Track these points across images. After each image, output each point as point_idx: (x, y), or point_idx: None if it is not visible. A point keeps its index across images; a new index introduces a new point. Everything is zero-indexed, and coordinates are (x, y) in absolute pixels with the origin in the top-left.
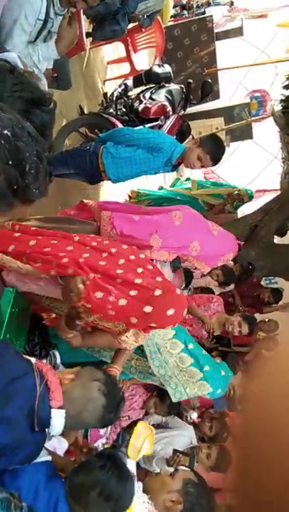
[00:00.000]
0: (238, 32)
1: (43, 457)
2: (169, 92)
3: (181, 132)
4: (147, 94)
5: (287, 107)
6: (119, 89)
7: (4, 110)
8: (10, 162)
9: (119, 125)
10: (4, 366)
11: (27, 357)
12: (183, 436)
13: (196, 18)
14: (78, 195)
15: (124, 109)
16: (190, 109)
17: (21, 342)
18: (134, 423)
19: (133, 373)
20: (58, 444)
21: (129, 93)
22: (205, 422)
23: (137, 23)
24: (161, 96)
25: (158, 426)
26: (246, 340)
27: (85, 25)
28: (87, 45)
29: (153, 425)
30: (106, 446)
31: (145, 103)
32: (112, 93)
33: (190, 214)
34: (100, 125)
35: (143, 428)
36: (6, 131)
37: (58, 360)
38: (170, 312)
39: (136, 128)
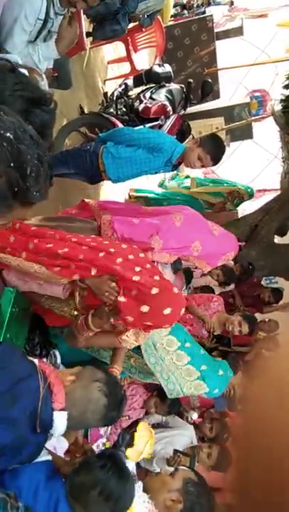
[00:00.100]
0: (238, 32)
1: (43, 457)
2: (170, 91)
3: (182, 132)
4: (147, 94)
5: (287, 107)
6: (120, 89)
7: (7, 113)
8: (12, 164)
9: (120, 125)
10: (10, 367)
11: (31, 358)
12: (183, 435)
13: (197, 17)
14: (79, 195)
15: (124, 109)
16: (190, 109)
17: (22, 341)
18: (135, 423)
19: (133, 373)
20: (57, 444)
21: (130, 93)
22: (205, 423)
23: (137, 23)
24: (161, 96)
25: (158, 425)
26: (246, 340)
27: (86, 25)
28: (87, 45)
29: (153, 425)
30: (106, 445)
31: (145, 103)
32: (113, 93)
33: (190, 214)
34: (101, 125)
35: (144, 430)
36: (8, 134)
37: (59, 360)
38: (167, 311)
39: (136, 128)
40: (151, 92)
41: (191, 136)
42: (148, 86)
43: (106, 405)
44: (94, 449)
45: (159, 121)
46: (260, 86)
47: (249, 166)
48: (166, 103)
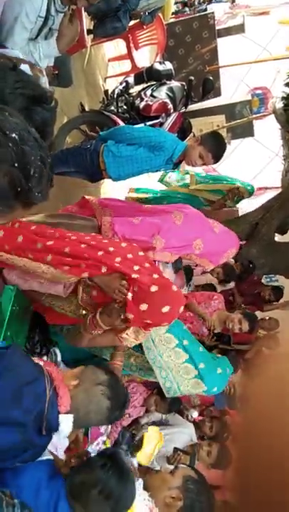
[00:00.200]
0: (239, 29)
1: (45, 456)
2: (170, 89)
3: (183, 130)
4: (148, 92)
5: None
6: (120, 87)
7: (11, 114)
8: (16, 165)
9: (121, 123)
10: (17, 371)
11: (37, 361)
12: (183, 433)
13: (198, 15)
14: (79, 194)
15: (125, 107)
16: (191, 107)
17: (22, 340)
18: (135, 421)
19: (134, 371)
20: (58, 442)
21: (130, 90)
22: (205, 422)
23: (138, 20)
24: (162, 93)
25: (158, 423)
26: (247, 338)
27: (86, 22)
28: (88, 42)
29: (153, 422)
30: (106, 442)
31: (146, 100)
32: (113, 90)
33: (190, 213)
34: (101, 123)
35: (153, 433)
36: (13, 135)
37: (59, 358)
38: (165, 309)
39: (137, 126)
40: (152, 89)
41: (192, 134)
42: (149, 84)
43: (109, 407)
44: (90, 451)
45: (159, 119)
46: (262, 83)
47: (250, 164)
48: (167, 101)
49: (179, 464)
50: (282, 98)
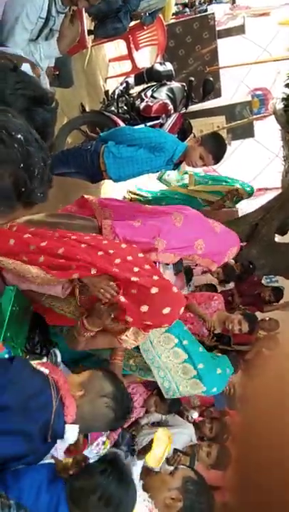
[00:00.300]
0: (239, 30)
1: (46, 459)
2: (171, 90)
3: (183, 130)
4: (149, 93)
5: None
6: (121, 87)
7: (14, 115)
8: (21, 165)
9: (121, 123)
10: (22, 383)
11: (42, 369)
12: (183, 434)
13: (198, 15)
14: (80, 194)
15: (125, 107)
16: (191, 107)
17: (22, 340)
18: (135, 422)
19: (134, 370)
20: (58, 443)
21: (131, 91)
22: (206, 423)
23: (138, 21)
24: (162, 94)
25: (158, 424)
26: (247, 338)
27: (87, 23)
28: (88, 43)
29: (153, 423)
30: (106, 443)
31: (147, 101)
32: (114, 91)
33: (190, 214)
34: (102, 123)
35: (162, 436)
36: (19, 136)
37: (59, 359)
38: (166, 311)
39: (137, 127)
40: (152, 90)
41: (192, 135)
42: (149, 84)
43: (113, 419)
44: (88, 456)
45: (160, 120)
46: (262, 84)
47: (250, 165)
48: (168, 101)
49: (179, 465)
50: (283, 99)
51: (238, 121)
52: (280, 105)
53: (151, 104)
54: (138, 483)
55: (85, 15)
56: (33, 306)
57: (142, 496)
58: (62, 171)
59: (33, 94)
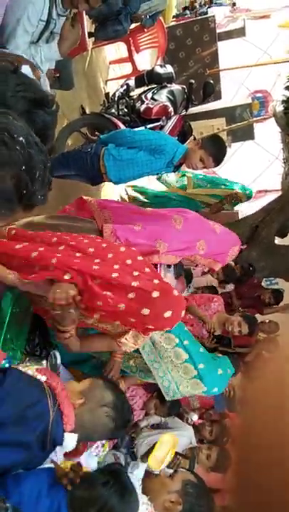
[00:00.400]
0: (240, 32)
1: (46, 464)
2: (171, 92)
3: (183, 133)
4: (149, 95)
5: None
6: (121, 90)
7: (15, 118)
8: (23, 168)
9: (121, 125)
10: (17, 395)
11: (39, 376)
12: (183, 436)
13: (199, 18)
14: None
15: (125, 110)
16: (192, 110)
17: (22, 342)
18: (134, 424)
19: (134, 372)
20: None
21: (131, 93)
22: (205, 425)
23: (139, 23)
24: (163, 96)
25: (158, 426)
26: (247, 340)
27: (88, 25)
28: (89, 45)
29: (152, 425)
30: (105, 445)
31: (147, 103)
32: (114, 93)
33: (190, 216)
34: (102, 125)
35: (167, 440)
36: (21, 138)
37: (59, 361)
38: (167, 314)
39: (137, 129)
40: (152, 92)
41: (192, 137)
42: (150, 87)
43: (112, 429)
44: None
45: (160, 122)
46: (262, 87)
47: (250, 167)
48: (168, 104)
49: (179, 468)
50: (283, 101)
51: (238, 124)
52: (280, 107)
53: (151, 106)
54: (138, 486)
55: (85, 17)
56: (33, 307)
57: (141, 498)
58: (62, 173)
59: (33, 97)
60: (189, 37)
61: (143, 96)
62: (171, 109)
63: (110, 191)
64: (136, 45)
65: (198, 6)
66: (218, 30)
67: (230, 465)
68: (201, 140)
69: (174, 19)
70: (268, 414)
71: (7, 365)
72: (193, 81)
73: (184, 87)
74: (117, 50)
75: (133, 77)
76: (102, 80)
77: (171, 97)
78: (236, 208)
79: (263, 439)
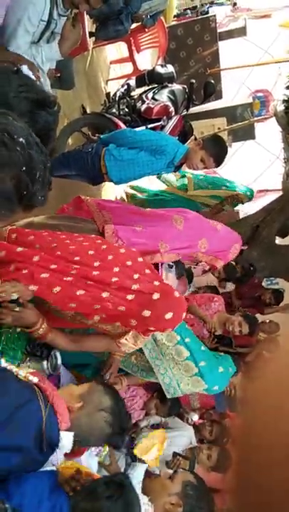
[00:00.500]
0: (241, 32)
1: (48, 467)
2: (172, 92)
3: (184, 133)
4: (150, 95)
5: None
6: (122, 89)
7: (15, 119)
8: (23, 169)
9: (122, 125)
10: (6, 396)
11: (31, 378)
12: (183, 436)
13: (200, 17)
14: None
15: (126, 109)
16: (192, 109)
17: (23, 342)
18: (135, 424)
19: (135, 371)
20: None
21: (132, 93)
22: (205, 426)
23: (140, 23)
24: (163, 96)
25: (158, 426)
26: (247, 340)
27: (88, 25)
28: (90, 45)
29: (153, 425)
30: (105, 445)
31: (148, 103)
32: (115, 93)
33: (190, 216)
34: (103, 125)
35: (158, 435)
36: (21, 139)
37: (59, 361)
38: (168, 316)
39: (138, 129)
40: (153, 92)
41: (193, 137)
42: (150, 86)
43: (109, 434)
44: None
45: (161, 122)
46: (263, 86)
47: (251, 167)
48: (169, 104)
49: (179, 468)
50: (284, 101)
51: (239, 123)
52: (280, 107)
53: (152, 106)
54: (138, 487)
55: (86, 17)
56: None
57: (142, 499)
58: (63, 173)
59: (36, 97)
60: (190, 36)
61: (144, 96)
62: (172, 108)
63: (111, 191)
64: (137, 44)
65: (199, 6)
66: (219, 30)
67: (230, 465)
68: (202, 141)
69: (175, 19)
70: (268, 414)
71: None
72: (194, 81)
73: (185, 86)
74: (117, 49)
75: (134, 77)
76: (102, 80)
77: (172, 96)
78: (237, 207)
79: (263, 440)
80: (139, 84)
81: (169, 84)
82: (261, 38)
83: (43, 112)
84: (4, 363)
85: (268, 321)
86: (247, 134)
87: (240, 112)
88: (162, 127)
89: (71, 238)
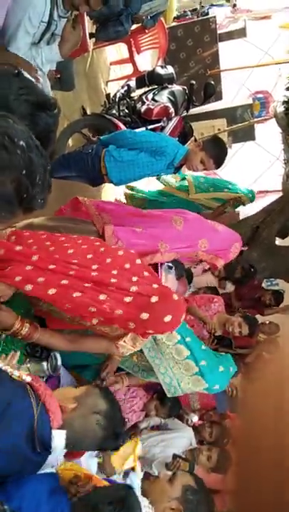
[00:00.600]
0: (241, 33)
1: (47, 469)
2: (172, 93)
3: (184, 134)
4: (150, 96)
5: None
6: (122, 90)
7: (15, 122)
8: (24, 172)
9: (122, 126)
10: None
11: (24, 376)
12: (183, 437)
13: (200, 19)
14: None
15: (126, 111)
16: (192, 110)
17: (22, 343)
18: (134, 426)
19: (136, 372)
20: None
21: (132, 94)
22: (205, 427)
23: (140, 24)
24: (163, 97)
25: (157, 428)
26: (247, 341)
27: (89, 26)
28: (90, 46)
29: (152, 427)
30: None
31: (148, 104)
32: (115, 94)
33: (189, 216)
34: (103, 126)
35: (129, 445)
36: (21, 142)
37: (59, 362)
38: (167, 319)
39: (138, 130)
40: (153, 93)
41: (193, 138)
42: (150, 87)
43: (102, 438)
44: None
45: (161, 123)
46: (263, 87)
47: (251, 168)
48: (169, 105)
49: (178, 470)
50: (284, 102)
51: (239, 124)
52: (280, 108)
53: (152, 107)
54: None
55: (86, 18)
56: (34, 309)
57: (142, 502)
58: (63, 174)
59: (36, 100)
60: (190, 38)
61: (144, 97)
62: (172, 109)
63: (110, 192)
64: (137, 45)
65: (199, 7)
66: (219, 31)
67: (230, 466)
68: (202, 142)
69: (175, 20)
70: (268, 416)
71: None
72: (194, 82)
73: (185, 87)
74: (118, 50)
75: (134, 78)
76: (102, 81)
77: (172, 97)
78: (237, 208)
79: (263, 441)
80: (139, 86)
81: (169, 86)
82: (261, 39)
83: (43, 115)
84: None
85: (267, 322)
86: (247, 135)
87: (240, 113)
88: (162, 128)
89: (70, 241)
